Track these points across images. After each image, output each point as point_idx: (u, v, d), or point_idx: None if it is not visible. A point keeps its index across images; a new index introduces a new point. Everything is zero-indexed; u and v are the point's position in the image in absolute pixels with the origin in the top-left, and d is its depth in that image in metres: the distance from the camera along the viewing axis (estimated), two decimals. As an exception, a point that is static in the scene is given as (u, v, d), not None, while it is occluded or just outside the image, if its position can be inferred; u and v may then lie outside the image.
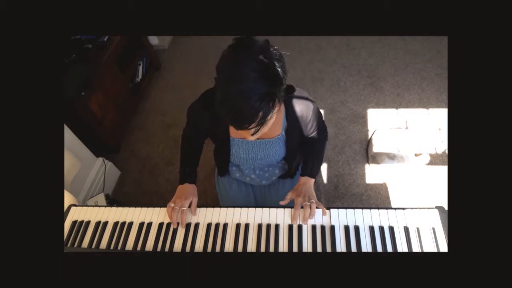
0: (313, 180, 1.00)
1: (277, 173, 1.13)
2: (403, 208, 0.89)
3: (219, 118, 0.74)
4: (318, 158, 1.06)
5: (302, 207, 0.90)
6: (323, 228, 0.87)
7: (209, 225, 0.92)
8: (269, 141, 0.96)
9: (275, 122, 0.92)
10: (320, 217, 0.90)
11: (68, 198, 1.32)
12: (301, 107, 0.91)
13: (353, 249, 0.83)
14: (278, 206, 0.94)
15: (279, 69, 0.68)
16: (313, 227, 0.87)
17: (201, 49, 2.81)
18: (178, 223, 0.92)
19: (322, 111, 2.18)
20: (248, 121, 0.69)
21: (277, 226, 0.89)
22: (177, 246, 0.89)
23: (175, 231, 0.92)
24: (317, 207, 0.89)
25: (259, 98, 0.66)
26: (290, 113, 0.91)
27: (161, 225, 0.93)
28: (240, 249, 0.86)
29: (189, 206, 0.95)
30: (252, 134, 0.75)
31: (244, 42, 0.68)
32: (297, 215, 0.89)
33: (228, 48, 0.70)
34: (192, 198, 0.96)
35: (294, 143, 0.99)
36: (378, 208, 0.89)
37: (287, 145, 0.98)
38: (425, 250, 0.81)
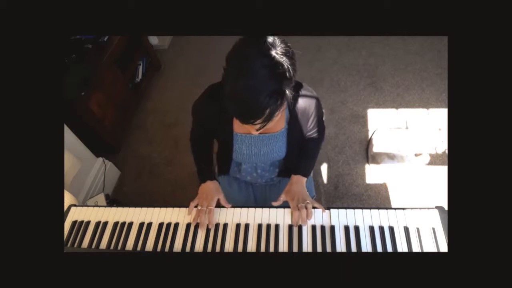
0: (305, 179, 0.99)
1: (277, 171, 1.13)
2: (403, 208, 0.89)
3: (224, 112, 0.74)
4: (312, 158, 1.05)
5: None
6: (323, 228, 0.87)
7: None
8: (273, 135, 0.96)
9: (279, 116, 0.93)
10: (320, 217, 0.90)
11: (68, 198, 1.32)
12: (304, 100, 0.91)
13: (353, 249, 0.83)
14: (278, 206, 0.94)
15: (289, 67, 0.69)
16: (313, 227, 0.87)
17: (201, 49, 2.81)
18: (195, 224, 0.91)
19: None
20: (255, 116, 0.70)
21: (277, 226, 0.89)
22: (177, 246, 0.89)
23: (175, 231, 0.92)
24: (314, 207, 0.89)
25: (268, 94, 0.67)
26: (292, 105, 0.91)
27: (161, 225, 0.93)
28: (240, 249, 0.86)
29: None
30: (257, 130, 0.76)
31: (257, 36, 0.69)
32: (296, 218, 0.88)
33: (240, 40, 0.70)
34: (218, 195, 0.96)
35: (295, 137, 0.98)
36: (378, 208, 0.89)
37: (288, 139, 0.97)
38: (425, 250, 0.81)
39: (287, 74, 0.69)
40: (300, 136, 1.00)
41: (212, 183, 0.99)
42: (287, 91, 0.70)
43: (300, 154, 1.05)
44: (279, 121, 0.94)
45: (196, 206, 0.94)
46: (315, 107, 0.93)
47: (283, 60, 0.67)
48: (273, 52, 0.67)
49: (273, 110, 0.69)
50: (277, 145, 0.97)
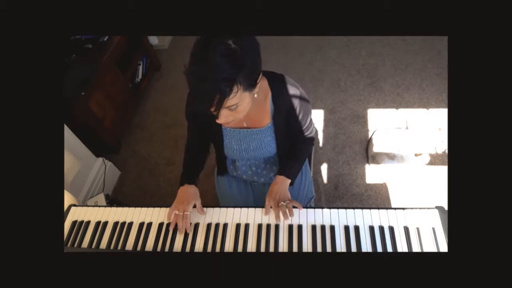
0: (289, 182, 0.98)
1: (275, 169, 1.12)
2: (403, 208, 0.89)
3: None
4: (298, 160, 1.04)
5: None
6: (323, 228, 0.87)
7: (209, 225, 0.92)
8: (260, 130, 0.96)
9: (263, 110, 0.93)
10: (320, 217, 0.90)
11: (68, 198, 1.32)
12: (287, 92, 0.91)
13: (353, 249, 0.83)
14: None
15: (246, 57, 0.69)
16: (313, 227, 0.87)
17: (201, 49, 2.81)
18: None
19: (322, 111, 2.18)
20: (204, 102, 0.70)
21: (277, 226, 0.89)
22: (177, 246, 0.89)
23: (175, 231, 0.92)
24: (294, 206, 0.89)
25: (217, 81, 0.67)
26: (276, 98, 0.92)
27: (161, 225, 0.93)
28: (240, 249, 0.86)
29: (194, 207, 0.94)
30: (216, 119, 0.76)
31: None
32: (278, 213, 0.89)
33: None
34: (195, 200, 0.94)
35: (283, 132, 0.98)
36: (378, 208, 0.89)
37: (276, 133, 0.97)
38: (425, 250, 0.81)
39: (243, 63, 0.69)
40: (288, 130, 0.98)
41: (190, 187, 0.97)
42: (240, 80, 0.69)
43: (287, 155, 1.04)
44: (264, 116, 0.94)
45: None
46: (299, 96, 0.92)
47: (242, 50, 0.68)
48: (231, 42, 0.67)
49: (222, 97, 0.69)
50: (266, 140, 0.97)
